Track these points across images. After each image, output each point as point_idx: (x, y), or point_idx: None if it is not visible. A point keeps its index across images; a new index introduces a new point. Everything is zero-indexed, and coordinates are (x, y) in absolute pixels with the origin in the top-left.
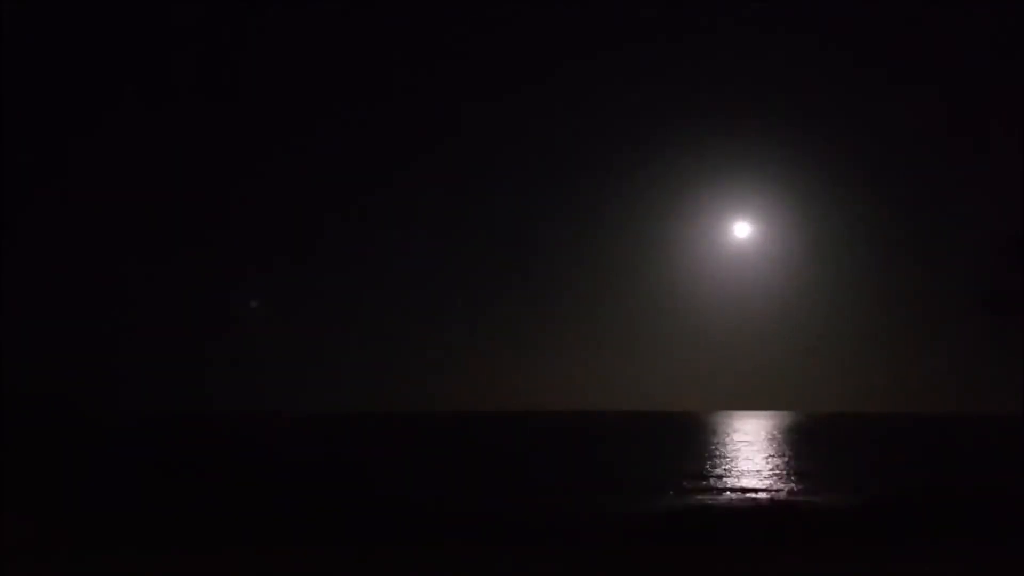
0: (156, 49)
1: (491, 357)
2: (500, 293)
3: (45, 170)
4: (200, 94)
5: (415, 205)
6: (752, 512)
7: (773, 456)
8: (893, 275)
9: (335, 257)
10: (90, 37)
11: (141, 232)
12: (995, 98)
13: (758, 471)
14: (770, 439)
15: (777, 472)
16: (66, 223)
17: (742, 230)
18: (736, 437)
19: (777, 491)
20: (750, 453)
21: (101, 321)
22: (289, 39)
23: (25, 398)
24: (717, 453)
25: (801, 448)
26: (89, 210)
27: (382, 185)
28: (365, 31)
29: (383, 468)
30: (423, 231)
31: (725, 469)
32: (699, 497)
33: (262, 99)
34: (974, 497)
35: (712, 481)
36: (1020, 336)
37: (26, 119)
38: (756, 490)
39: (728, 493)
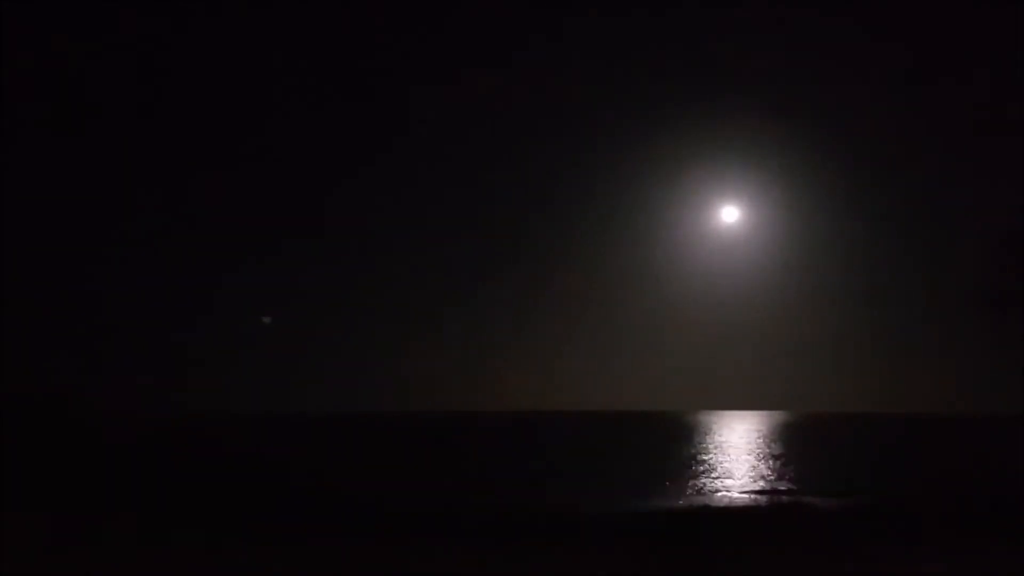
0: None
1: (480, 356)
2: (489, 292)
3: (45, 177)
4: (188, 94)
5: (410, 205)
6: (748, 513)
7: (767, 456)
8: (891, 271)
9: (332, 257)
10: (78, 38)
11: (140, 234)
12: (996, 92)
13: (753, 472)
14: (763, 439)
15: (773, 472)
16: (67, 227)
17: (730, 215)
18: (726, 437)
19: (774, 492)
20: (742, 453)
21: (101, 322)
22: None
23: (26, 398)
24: (707, 454)
25: (798, 448)
26: (89, 211)
27: (379, 185)
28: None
29: (362, 468)
30: (415, 228)
31: (716, 469)
32: (694, 497)
33: (249, 95)
34: (973, 497)
35: (705, 481)
36: (1020, 336)
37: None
38: (753, 491)
39: (723, 494)
